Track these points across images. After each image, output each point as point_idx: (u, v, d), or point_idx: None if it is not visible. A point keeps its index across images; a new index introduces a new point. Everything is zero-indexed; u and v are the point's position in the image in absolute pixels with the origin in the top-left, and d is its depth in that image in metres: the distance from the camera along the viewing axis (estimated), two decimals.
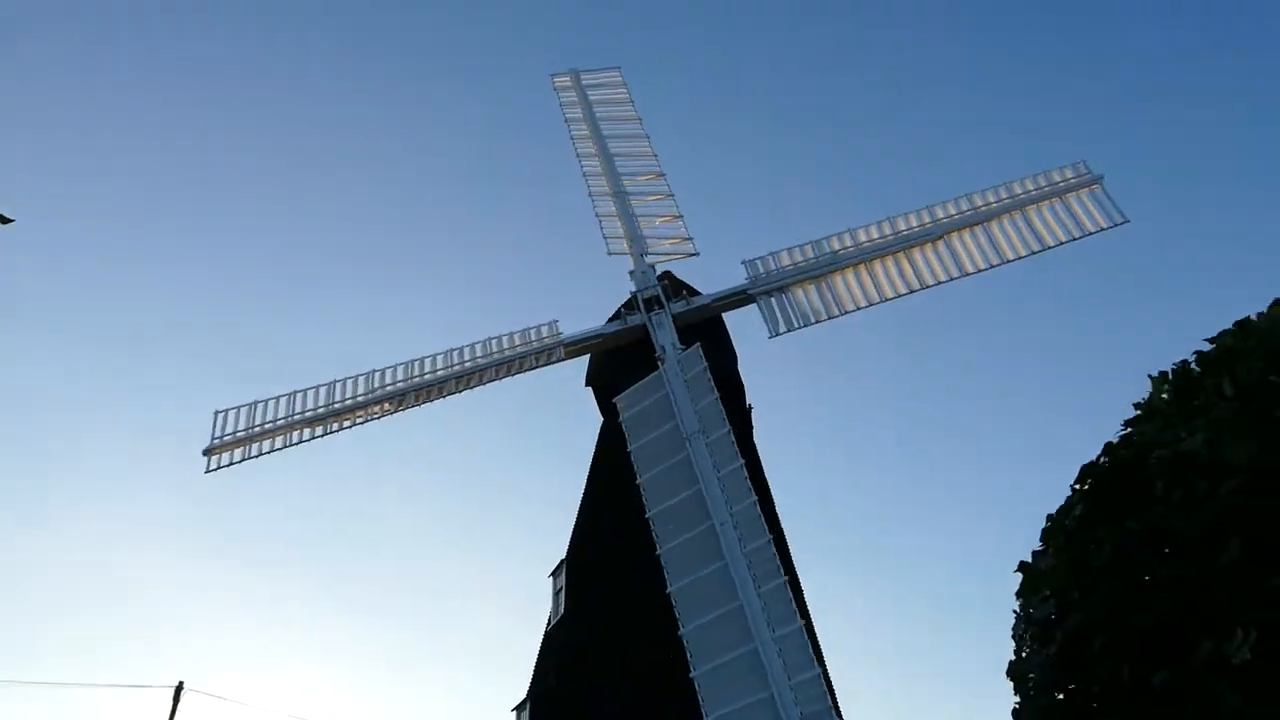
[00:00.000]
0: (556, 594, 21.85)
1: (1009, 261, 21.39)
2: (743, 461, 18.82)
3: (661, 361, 20.64)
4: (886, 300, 21.43)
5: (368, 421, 21.72)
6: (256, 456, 21.51)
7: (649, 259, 22.79)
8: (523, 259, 57.13)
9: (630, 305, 22.64)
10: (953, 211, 22.04)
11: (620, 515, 21.09)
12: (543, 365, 21.97)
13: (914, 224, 22.03)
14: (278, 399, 22.06)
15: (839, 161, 58.10)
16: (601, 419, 23.80)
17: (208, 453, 21.40)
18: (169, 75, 54.44)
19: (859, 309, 21.48)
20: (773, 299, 21.77)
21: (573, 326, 22.65)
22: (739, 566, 17.65)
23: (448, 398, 21.79)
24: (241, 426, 21.62)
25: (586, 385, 23.37)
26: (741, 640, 17.05)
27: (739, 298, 22.08)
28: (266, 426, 21.62)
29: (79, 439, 52.47)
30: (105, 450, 53.30)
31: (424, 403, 21.79)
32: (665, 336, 21.20)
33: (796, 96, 57.64)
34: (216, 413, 21.89)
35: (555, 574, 22.22)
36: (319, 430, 21.62)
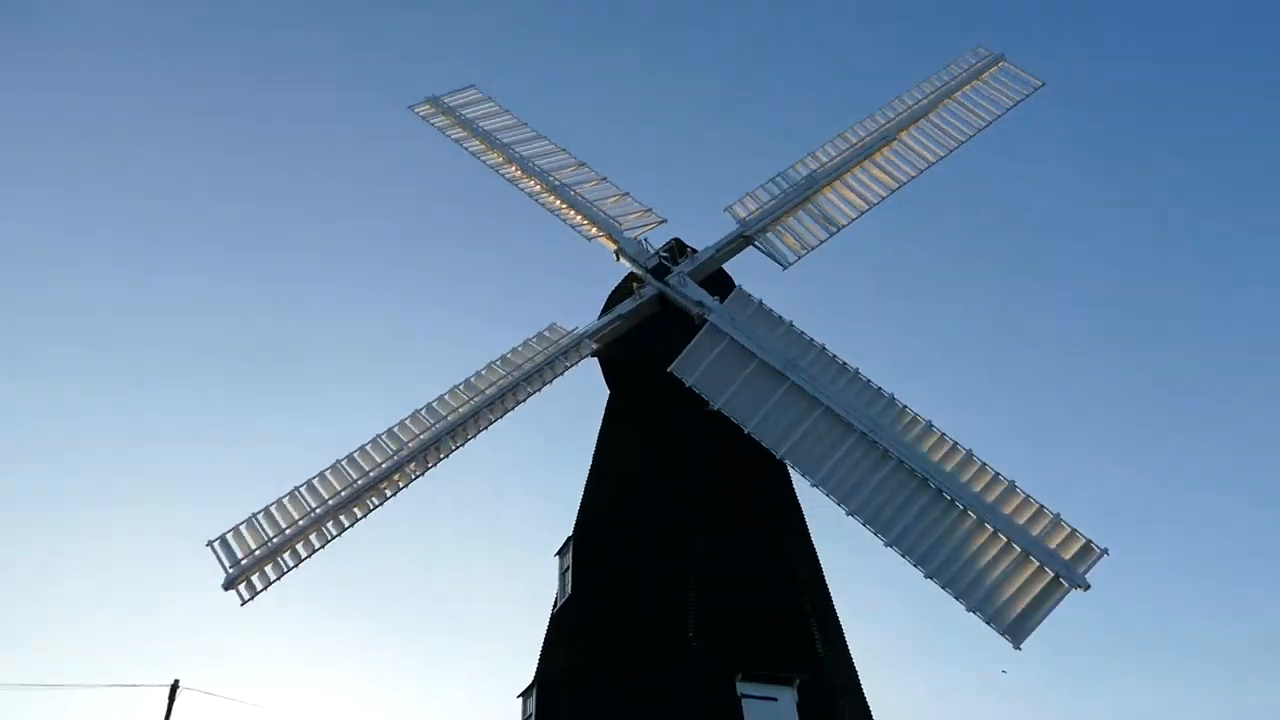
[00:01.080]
0: (563, 574, 20.27)
1: (961, 144, 22.38)
2: (856, 367, 18.22)
3: (707, 314, 19.59)
4: (873, 206, 21.69)
5: (410, 484, 18.81)
6: (294, 567, 18.01)
7: (628, 234, 21.66)
8: (486, 271, 55.34)
9: (631, 280, 21.45)
10: (891, 116, 22.78)
11: (629, 488, 20.11)
12: (574, 364, 20.15)
13: (862, 134, 22.53)
14: (280, 502, 18.63)
15: (745, 102, 58.84)
16: (608, 391, 22.55)
17: (230, 586, 17.63)
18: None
19: (852, 221, 21.56)
20: (769, 234, 21.40)
21: (568, 321, 21.15)
22: (915, 458, 16.93)
23: (486, 430, 19.38)
24: (253, 547, 18.02)
25: (592, 355, 21.78)
26: (957, 523, 16.34)
27: (737, 242, 21.49)
28: (288, 533, 18.18)
29: (74, 439, 48.60)
30: (95, 445, 49.45)
31: (461, 444, 19.21)
32: (697, 292, 20.23)
33: (685, 50, 58.17)
34: (210, 544, 18.13)
35: (561, 553, 20.63)
36: (356, 513, 18.47)
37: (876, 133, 22.49)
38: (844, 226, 21.46)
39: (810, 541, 20.19)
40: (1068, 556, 15.46)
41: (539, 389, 19.72)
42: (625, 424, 21.60)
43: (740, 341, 18.97)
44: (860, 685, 18.59)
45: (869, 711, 18.17)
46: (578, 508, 21.09)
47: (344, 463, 19.08)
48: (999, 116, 22.71)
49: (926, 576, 16.08)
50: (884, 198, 21.74)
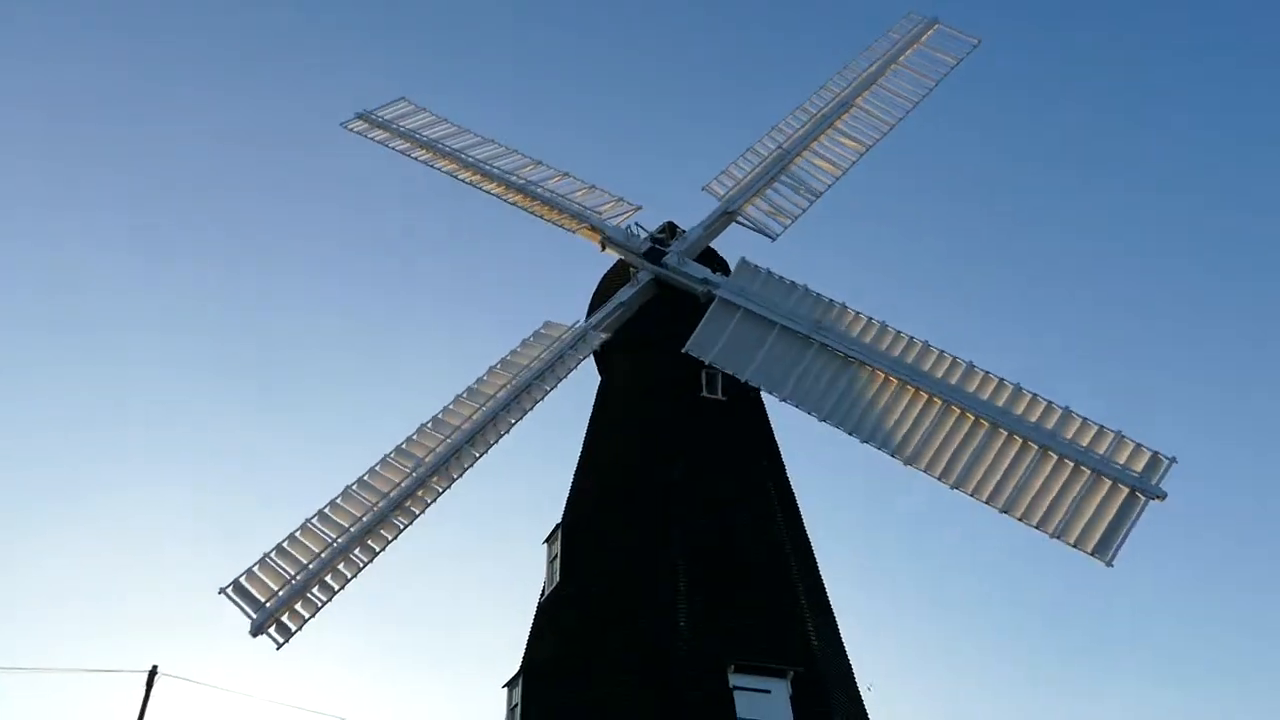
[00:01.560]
0: (551, 562, 19.70)
1: (916, 104, 22.79)
2: (883, 320, 18.13)
3: (715, 290, 19.24)
4: (847, 171, 21.83)
5: (437, 499, 17.68)
6: (328, 601, 16.63)
7: (604, 224, 21.16)
8: (456, 276, 54.43)
9: (621, 267, 21.14)
10: (843, 85, 23.04)
11: (620, 475, 19.72)
12: (585, 356, 19.39)
13: (820, 104, 22.71)
14: (293, 537, 17.24)
15: (697, 83, 58.35)
16: (599, 378, 22.17)
17: (258, 632, 16.14)
18: None
19: (830, 187, 21.64)
20: (751, 209, 21.26)
21: (554, 316, 20.36)
22: (964, 399, 16.91)
23: (507, 433, 18.42)
24: (275, 588, 16.57)
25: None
26: (1021, 455, 16.35)
27: (722, 219, 21.25)
28: (311, 568, 16.77)
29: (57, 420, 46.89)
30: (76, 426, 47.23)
31: (485, 450, 18.20)
32: (698, 270, 19.93)
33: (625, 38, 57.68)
34: (224, 591, 16.63)
35: (550, 540, 20.01)
36: (386, 535, 17.22)
37: (834, 102, 22.73)
38: (822, 193, 21.51)
39: (804, 532, 19.97)
40: (1139, 470, 15.64)
41: (554, 386, 18.88)
42: (617, 410, 21.13)
43: (757, 311, 18.66)
44: (854, 679, 18.32)
45: (863, 706, 17.95)
46: (567, 495, 20.51)
47: (355, 488, 17.81)
48: (945, 75, 23.26)
49: (1001, 511, 16.01)
50: (855, 161, 21.93)
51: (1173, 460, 15.66)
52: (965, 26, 23.77)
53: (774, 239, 20.82)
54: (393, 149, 23.59)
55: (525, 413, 18.57)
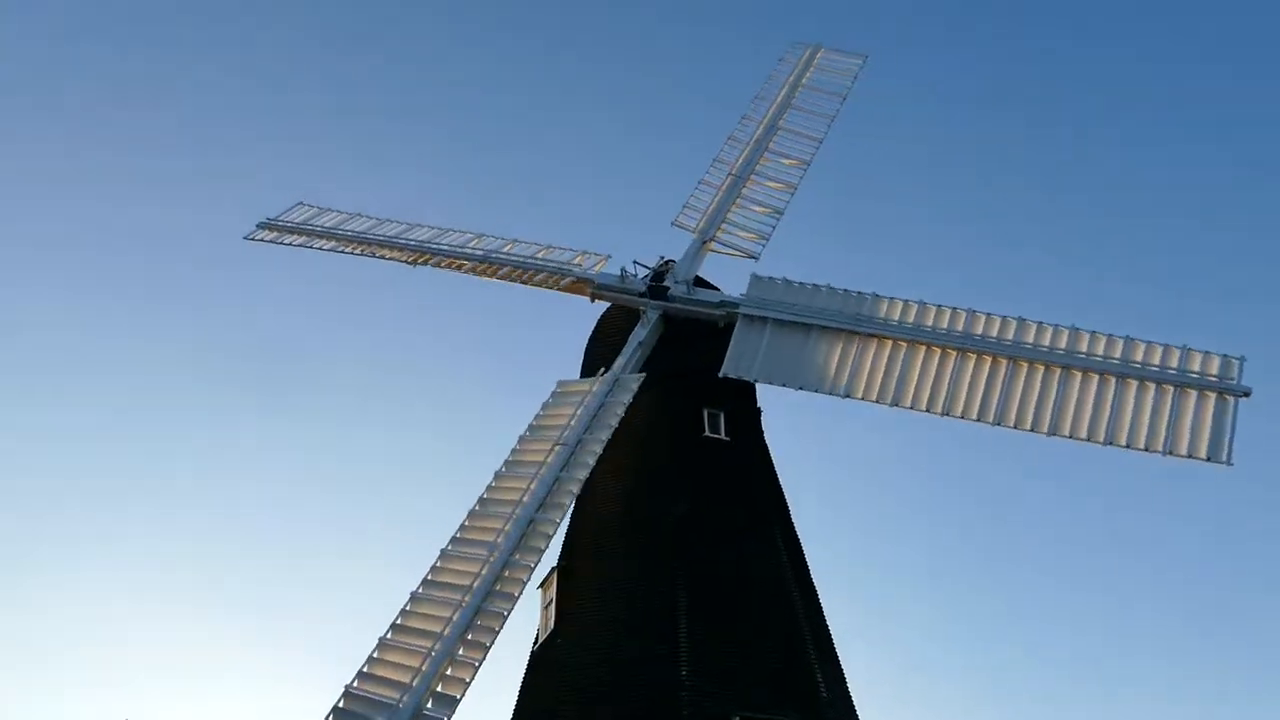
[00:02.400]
0: (546, 607, 18.79)
1: (834, 118, 23.52)
2: (920, 299, 18.23)
3: (735, 310, 18.87)
4: (798, 187, 22.10)
5: (531, 574, 15.88)
6: (454, 710, 14.44)
7: (590, 274, 20.38)
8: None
9: (612, 313, 20.67)
10: (766, 109, 23.66)
11: (619, 516, 19.02)
12: (628, 401, 18.16)
13: (751, 131, 23.13)
14: (373, 660, 14.99)
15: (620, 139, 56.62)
16: None
17: None
18: None
19: (789, 203, 21.85)
20: (724, 234, 21.19)
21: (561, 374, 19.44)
22: (1029, 352, 17.25)
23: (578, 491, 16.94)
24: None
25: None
26: (1102, 389, 16.75)
27: (702, 249, 20.99)
28: (417, 686, 14.43)
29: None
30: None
31: (561, 516, 16.58)
32: (711, 294, 19.65)
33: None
34: None
35: (544, 585, 19.06)
36: (491, 625, 15.18)
37: (761, 125, 23.16)
38: (784, 210, 21.72)
39: (810, 577, 19.54)
40: (1215, 373, 16.34)
41: (608, 436, 17.57)
42: (615, 451, 19.79)
43: (788, 319, 18.40)
44: None
45: None
46: (563, 537, 19.40)
47: (423, 590, 15.74)
48: (849, 89, 24.24)
49: (1105, 444, 16.25)
50: (803, 176, 22.31)
51: (1243, 359, 16.45)
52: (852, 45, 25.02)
53: (757, 259, 20.76)
54: (317, 249, 21.79)
55: (589, 469, 17.16)
